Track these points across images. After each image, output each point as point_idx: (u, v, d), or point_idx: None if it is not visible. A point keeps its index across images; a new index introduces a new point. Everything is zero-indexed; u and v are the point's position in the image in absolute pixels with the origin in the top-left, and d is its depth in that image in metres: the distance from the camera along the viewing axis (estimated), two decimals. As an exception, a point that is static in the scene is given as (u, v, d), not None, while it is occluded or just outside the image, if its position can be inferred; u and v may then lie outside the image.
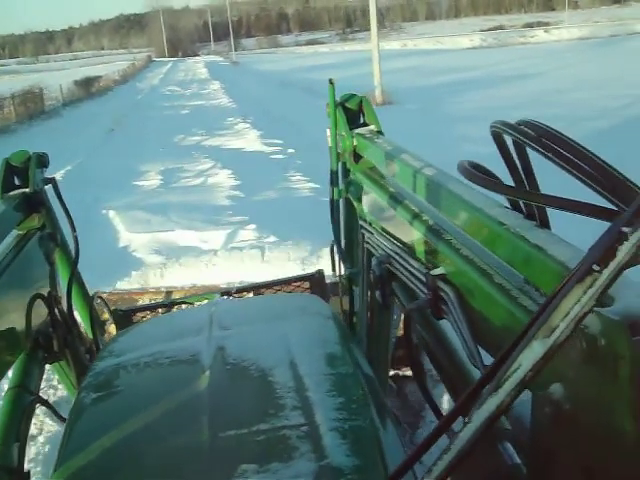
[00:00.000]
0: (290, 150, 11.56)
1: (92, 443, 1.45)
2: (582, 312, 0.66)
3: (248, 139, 13.73)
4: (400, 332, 2.90)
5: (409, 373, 3.34)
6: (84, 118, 22.84)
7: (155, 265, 5.51)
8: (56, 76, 41.34)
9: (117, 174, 10.90)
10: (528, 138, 1.03)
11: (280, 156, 11.22)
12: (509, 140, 1.14)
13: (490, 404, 0.71)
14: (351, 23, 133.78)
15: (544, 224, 1.20)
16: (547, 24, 64.03)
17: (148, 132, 17.01)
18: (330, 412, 1.44)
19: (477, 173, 1.21)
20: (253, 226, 6.62)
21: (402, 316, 2.65)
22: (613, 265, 0.64)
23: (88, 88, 34.78)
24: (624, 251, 0.63)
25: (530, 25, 67.77)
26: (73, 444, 1.51)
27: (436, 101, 17.82)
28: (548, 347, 0.68)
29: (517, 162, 1.17)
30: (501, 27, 72.73)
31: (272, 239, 6.01)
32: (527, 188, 1.18)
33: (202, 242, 6.27)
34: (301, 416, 1.43)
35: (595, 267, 0.65)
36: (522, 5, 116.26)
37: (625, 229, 0.63)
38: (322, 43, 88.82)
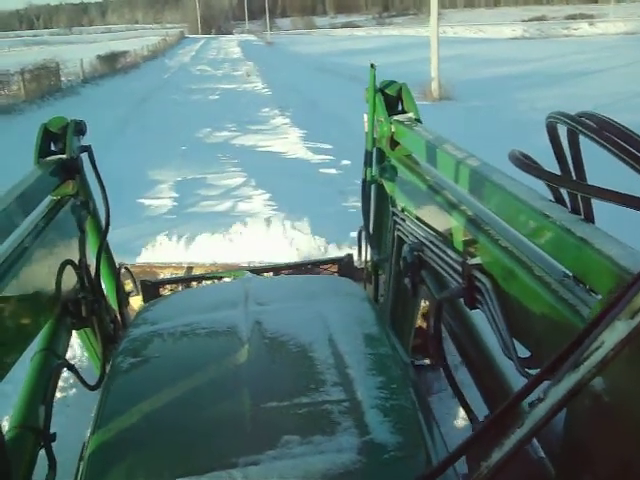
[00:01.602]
0: (345, 162, 8.76)
1: (130, 409, 1.45)
2: None
3: (288, 140, 10.97)
4: (419, 323, 2.89)
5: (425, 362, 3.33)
6: (103, 98, 20.43)
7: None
8: (86, 49, 39.93)
9: (120, 184, 8.20)
10: (587, 129, 1.01)
11: (332, 171, 8.45)
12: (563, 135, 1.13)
13: (569, 381, 0.71)
14: (388, 7, 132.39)
15: (589, 218, 1.19)
16: (590, 16, 61.86)
17: (169, 121, 14.41)
18: (372, 390, 1.43)
19: (531, 163, 1.19)
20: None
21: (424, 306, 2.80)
22: None
23: (113, 64, 32.67)
24: None
25: (573, 17, 65.99)
26: (110, 409, 1.50)
27: (502, 98, 15.31)
28: (632, 327, 0.67)
29: (568, 157, 1.16)
30: (543, 18, 71.59)
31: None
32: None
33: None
34: (342, 392, 1.42)
35: None
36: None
37: None
38: (358, 26, 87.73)
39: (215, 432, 1.34)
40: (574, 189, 1.16)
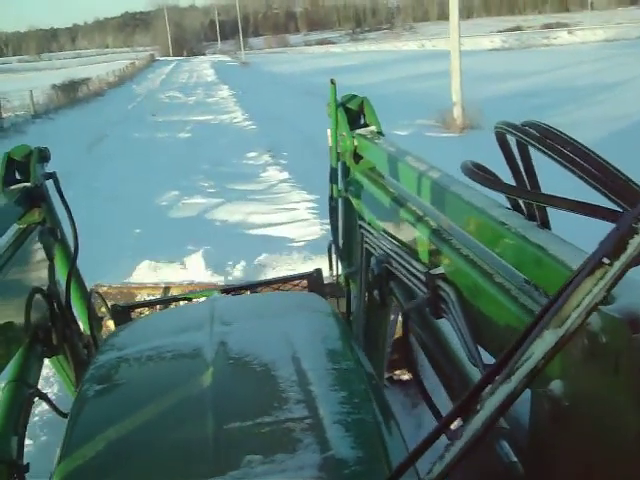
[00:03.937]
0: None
1: (96, 436, 1.45)
2: (593, 303, 0.68)
3: (295, 214, 7.28)
4: (396, 336, 2.89)
5: (404, 377, 3.31)
6: (53, 138, 16.69)
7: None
8: (52, 75, 36.75)
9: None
10: (532, 138, 1.04)
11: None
12: (513, 143, 1.15)
13: (501, 392, 0.72)
14: (360, 23, 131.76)
15: (545, 225, 1.21)
16: (566, 25, 62.75)
17: (124, 177, 10.74)
18: (333, 406, 1.44)
19: (482, 173, 1.20)
20: None
21: (399, 318, 2.70)
22: (623, 258, 0.65)
23: (72, 93, 29.27)
24: (634, 245, 0.65)
25: (549, 26, 66.64)
26: (76, 437, 1.50)
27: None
28: (560, 336, 0.69)
29: (520, 165, 1.18)
30: (519, 28, 72.20)
31: None
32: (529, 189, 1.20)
33: None
34: (304, 409, 1.43)
35: (605, 260, 0.67)
36: (536, 6, 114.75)
37: (635, 225, 0.65)
38: (332, 43, 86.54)
39: (179, 455, 1.34)
40: (527, 198, 1.19)
